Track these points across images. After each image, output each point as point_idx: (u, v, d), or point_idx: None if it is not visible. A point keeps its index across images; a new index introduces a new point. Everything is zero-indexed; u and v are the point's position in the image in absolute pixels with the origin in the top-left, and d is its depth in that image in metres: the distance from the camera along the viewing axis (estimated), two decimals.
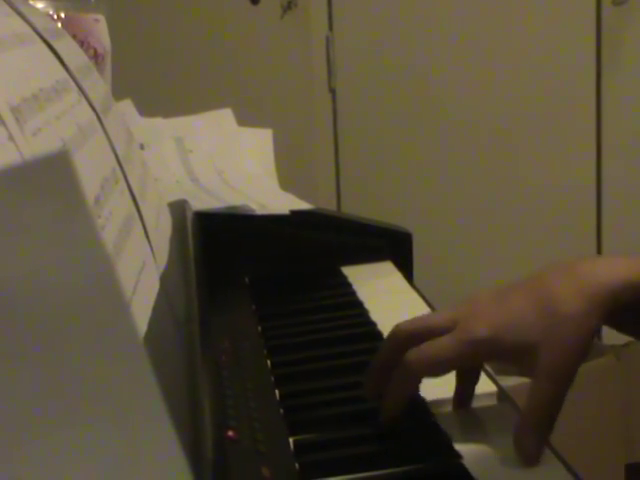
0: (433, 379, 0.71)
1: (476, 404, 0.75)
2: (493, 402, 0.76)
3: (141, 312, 0.57)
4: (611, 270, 0.67)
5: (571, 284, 0.67)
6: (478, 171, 2.69)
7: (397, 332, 0.73)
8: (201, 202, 1.16)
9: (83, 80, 0.74)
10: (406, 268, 1.16)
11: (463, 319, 0.69)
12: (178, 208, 1.04)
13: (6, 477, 0.25)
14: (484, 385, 0.77)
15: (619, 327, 0.71)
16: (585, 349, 0.66)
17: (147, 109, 1.39)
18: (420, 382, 0.71)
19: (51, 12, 1.15)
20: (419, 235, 1.23)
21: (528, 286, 0.70)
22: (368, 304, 1.02)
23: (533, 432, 0.65)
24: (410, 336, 0.71)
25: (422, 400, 0.75)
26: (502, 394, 0.77)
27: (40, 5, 1.17)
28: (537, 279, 0.71)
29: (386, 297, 1.06)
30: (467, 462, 0.66)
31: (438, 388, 0.75)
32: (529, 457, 0.65)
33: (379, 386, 0.72)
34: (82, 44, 1.14)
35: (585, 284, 0.66)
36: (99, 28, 1.20)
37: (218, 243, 1.11)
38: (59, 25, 1.13)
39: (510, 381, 0.88)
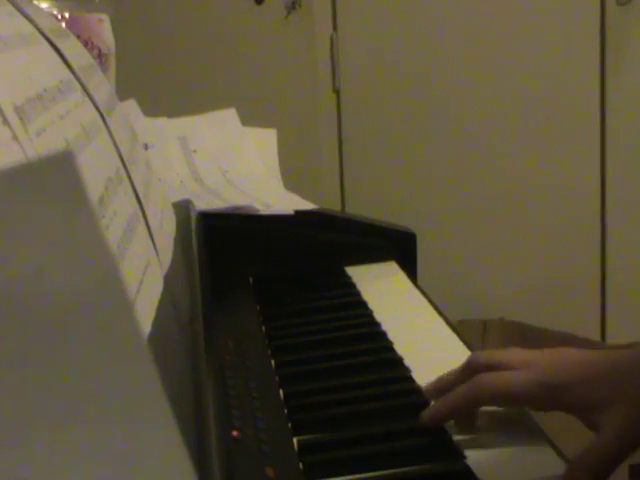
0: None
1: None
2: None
3: (145, 312, 0.57)
4: None
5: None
6: (482, 172, 2.69)
7: (474, 360, 0.74)
8: (205, 202, 1.16)
9: (87, 80, 0.74)
10: (410, 268, 1.16)
11: (540, 362, 0.70)
12: (182, 208, 1.04)
13: (10, 477, 0.25)
14: None
15: None
16: None
17: (151, 109, 1.39)
18: (481, 406, 0.72)
19: (55, 12, 1.15)
20: (423, 235, 1.22)
21: (610, 351, 0.71)
22: (372, 304, 1.02)
23: (590, 470, 0.64)
24: (485, 366, 0.72)
25: (426, 402, 0.75)
26: None
27: (44, 5, 1.18)
28: (618, 351, 0.71)
29: (390, 297, 1.06)
30: (471, 462, 0.66)
31: None
32: None
33: (439, 395, 0.73)
34: (86, 44, 1.14)
35: None
36: (103, 28, 1.20)
37: (222, 243, 1.11)
38: (63, 25, 1.13)
39: None
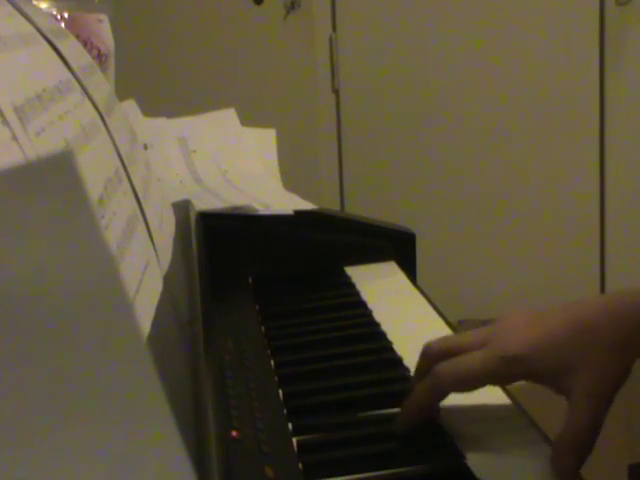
0: None
1: (479, 403, 0.75)
2: (496, 402, 0.76)
3: (144, 312, 0.57)
4: None
5: (610, 313, 0.66)
6: (481, 172, 2.69)
7: (428, 350, 0.72)
8: (204, 202, 1.16)
9: (86, 80, 0.74)
10: (409, 268, 1.16)
11: (496, 337, 0.68)
12: (182, 208, 1.04)
13: (11, 477, 0.25)
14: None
15: None
16: (622, 378, 0.65)
17: (150, 109, 1.39)
18: (446, 396, 0.70)
19: (54, 12, 1.15)
20: (422, 235, 1.23)
21: (564, 310, 0.69)
22: (371, 304, 1.02)
23: (571, 453, 0.64)
24: (441, 353, 0.71)
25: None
26: (505, 393, 0.77)
27: (43, 5, 1.18)
28: (574, 305, 0.69)
29: (389, 297, 1.06)
30: (470, 462, 0.66)
31: None
32: (566, 478, 0.64)
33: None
34: (85, 44, 1.14)
35: (624, 315, 0.65)
36: (102, 28, 1.20)
37: (221, 243, 1.11)
38: (62, 25, 1.13)
39: None
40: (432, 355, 0.71)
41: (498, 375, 0.68)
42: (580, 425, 0.64)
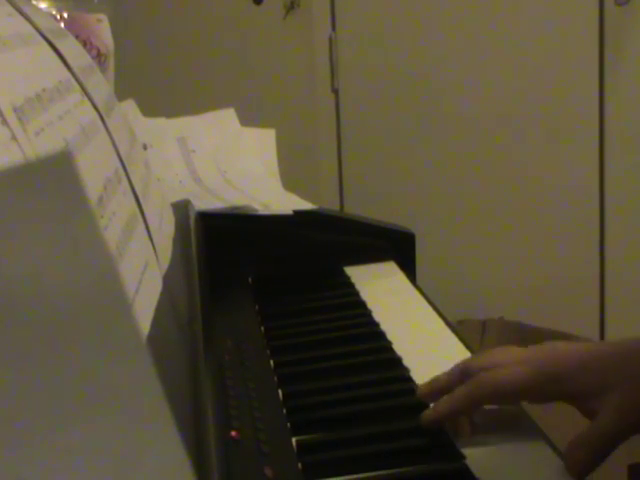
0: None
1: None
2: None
3: (144, 312, 0.57)
4: None
5: None
6: (481, 172, 2.69)
7: (467, 367, 0.73)
8: (204, 202, 1.16)
9: (86, 80, 0.74)
10: (409, 268, 1.16)
11: (538, 355, 0.70)
12: (181, 208, 1.04)
13: (10, 477, 0.25)
14: None
15: None
16: None
17: (150, 109, 1.39)
18: (481, 406, 0.71)
19: (54, 12, 1.15)
20: (422, 235, 1.23)
21: (605, 341, 0.72)
22: (371, 304, 1.02)
23: (588, 448, 0.65)
24: (480, 370, 0.71)
25: (425, 403, 0.75)
26: None
27: (43, 5, 1.17)
28: (610, 343, 0.72)
29: (389, 297, 1.06)
30: (470, 462, 0.66)
31: None
32: (574, 471, 0.65)
33: (433, 396, 0.73)
34: (85, 44, 1.14)
35: None
36: (102, 28, 1.20)
37: (221, 243, 1.11)
38: (62, 25, 1.13)
39: None
40: (471, 370, 0.72)
41: (535, 391, 0.69)
42: (605, 430, 0.65)
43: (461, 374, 0.73)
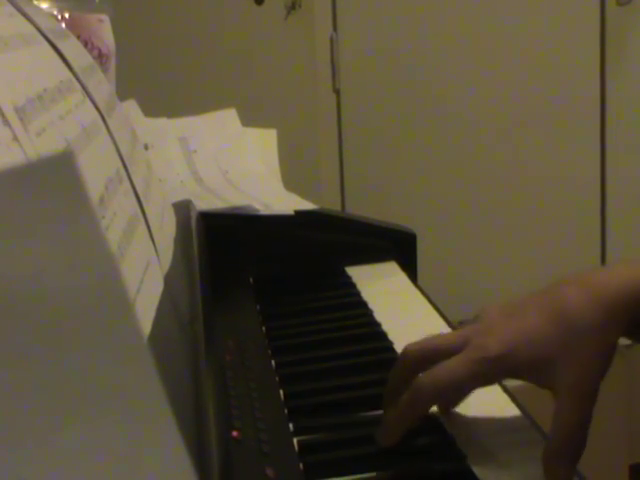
0: None
1: (480, 404, 0.75)
2: (497, 402, 0.76)
3: (145, 312, 0.57)
4: (626, 280, 0.64)
5: (586, 297, 0.64)
6: (482, 172, 2.69)
7: (405, 355, 0.70)
8: (205, 202, 1.16)
9: (87, 80, 0.74)
10: (410, 268, 1.16)
11: (474, 337, 0.66)
12: (182, 208, 1.04)
13: (11, 477, 0.25)
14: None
15: (637, 338, 0.67)
16: (606, 364, 0.63)
17: (151, 109, 1.39)
18: (429, 408, 0.68)
19: (55, 12, 1.15)
20: (423, 235, 1.22)
21: (541, 300, 0.67)
22: (372, 304, 1.02)
23: (564, 457, 0.62)
24: (419, 358, 0.68)
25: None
26: (506, 393, 0.77)
27: (44, 5, 1.17)
28: (550, 292, 0.68)
29: (390, 297, 1.06)
30: (471, 462, 0.66)
31: None
32: None
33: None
34: (86, 44, 1.14)
35: (601, 296, 0.63)
36: (103, 28, 1.20)
37: (222, 243, 1.11)
38: (63, 25, 1.13)
39: (514, 381, 0.88)
40: (409, 359, 0.69)
41: (481, 378, 0.66)
42: (568, 424, 0.62)
43: (403, 368, 0.70)
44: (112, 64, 1.22)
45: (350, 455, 0.69)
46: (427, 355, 0.68)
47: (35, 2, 1.14)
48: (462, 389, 0.68)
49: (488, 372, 0.66)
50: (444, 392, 0.67)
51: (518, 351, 0.64)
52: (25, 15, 0.69)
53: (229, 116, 1.41)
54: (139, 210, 0.68)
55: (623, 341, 0.68)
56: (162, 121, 1.38)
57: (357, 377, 0.82)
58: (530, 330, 0.65)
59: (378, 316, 0.98)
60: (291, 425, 0.74)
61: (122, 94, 1.10)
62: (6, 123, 0.46)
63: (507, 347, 0.65)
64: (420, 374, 0.66)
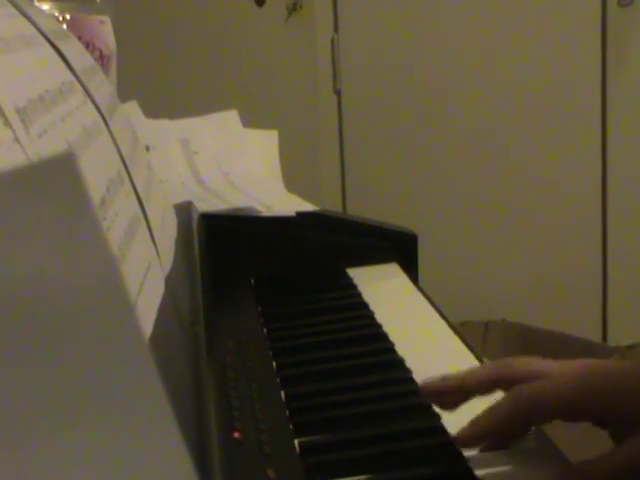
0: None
1: (480, 405, 0.75)
2: None
3: (146, 313, 0.57)
4: None
5: None
6: (484, 173, 2.69)
7: (507, 367, 0.68)
8: (206, 203, 1.16)
9: (88, 81, 0.74)
10: (411, 270, 1.16)
11: (572, 370, 0.65)
12: (184, 209, 1.04)
13: (10, 477, 0.25)
14: None
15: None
16: None
17: (152, 110, 1.39)
18: (526, 424, 0.67)
19: (56, 14, 1.16)
20: (424, 237, 1.22)
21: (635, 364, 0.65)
22: (374, 306, 1.02)
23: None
24: (520, 377, 0.66)
25: (429, 404, 0.75)
26: None
27: (46, 7, 1.18)
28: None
29: (392, 299, 1.06)
30: (473, 464, 0.66)
31: None
32: None
33: (441, 395, 0.69)
34: (87, 45, 1.14)
35: None
36: (104, 29, 1.20)
37: (223, 244, 1.11)
38: (64, 27, 1.13)
39: None
40: (511, 373, 0.67)
41: (577, 407, 0.63)
42: (617, 462, 0.61)
43: (498, 379, 0.68)
44: (113, 65, 1.22)
45: (351, 457, 0.69)
46: (527, 376, 0.66)
47: (36, 3, 1.14)
48: (566, 412, 0.65)
49: (586, 405, 0.63)
50: (547, 408, 0.64)
51: (623, 395, 0.62)
52: (26, 16, 0.69)
53: (230, 117, 1.41)
54: (140, 211, 0.68)
55: (624, 342, 0.68)
56: (163, 122, 1.38)
57: (358, 378, 0.82)
58: (626, 378, 0.63)
59: (379, 317, 0.98)
60: (292, 426, 0.74)
61: (123, 95, 1.10)
62: (7, 124, 0.46)
63: (611, 386, 0.63)
64: (525, 384, 0.64)
